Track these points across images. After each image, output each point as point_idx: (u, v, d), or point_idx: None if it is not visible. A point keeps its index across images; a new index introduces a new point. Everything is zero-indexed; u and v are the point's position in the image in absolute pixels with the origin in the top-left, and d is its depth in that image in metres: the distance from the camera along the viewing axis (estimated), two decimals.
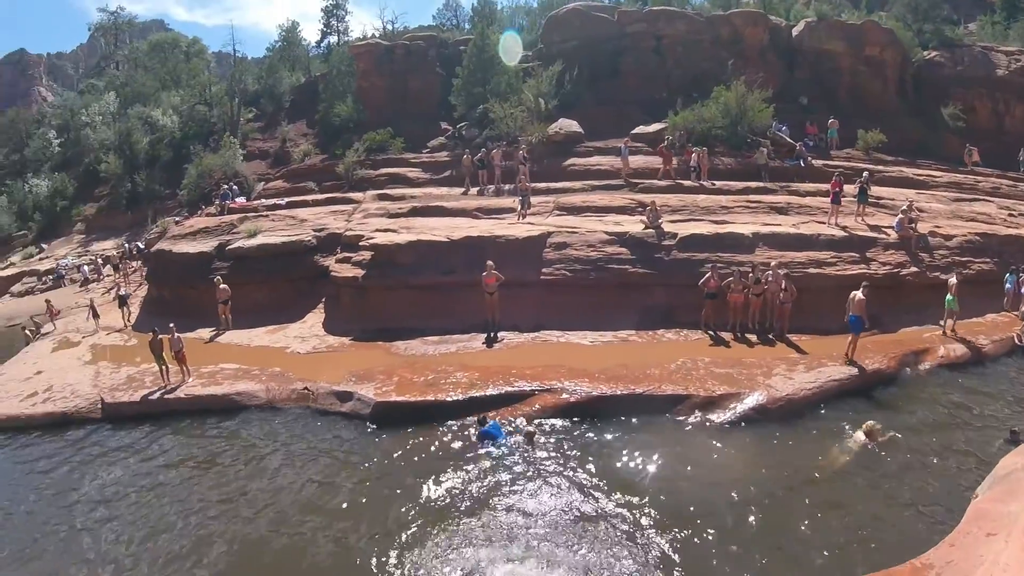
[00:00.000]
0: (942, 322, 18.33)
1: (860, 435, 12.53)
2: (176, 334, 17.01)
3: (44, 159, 53.68)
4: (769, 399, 13.84)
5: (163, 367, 16.94)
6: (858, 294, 15.99)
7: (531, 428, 13.15)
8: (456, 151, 31.43)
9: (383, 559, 9.50)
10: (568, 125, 30.20)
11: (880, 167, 29.01)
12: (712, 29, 34.58)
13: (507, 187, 26.00)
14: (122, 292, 24.96)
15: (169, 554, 10.10)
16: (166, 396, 16.23)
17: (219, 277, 21.73)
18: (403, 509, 10.65)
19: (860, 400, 14.44)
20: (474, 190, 27.31)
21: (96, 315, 24.03)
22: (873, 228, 21.32)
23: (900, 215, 21.09)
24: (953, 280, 18.21)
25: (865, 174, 22.90)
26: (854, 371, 15.25)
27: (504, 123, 30.26)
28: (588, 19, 35.32)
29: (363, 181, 30.58)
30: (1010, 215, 26.02)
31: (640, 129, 29.78)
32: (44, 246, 44.29)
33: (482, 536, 9.87)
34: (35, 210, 47.97)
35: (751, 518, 10.11)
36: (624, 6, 39.41)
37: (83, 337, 23.06)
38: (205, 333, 21.04)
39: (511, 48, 35.86)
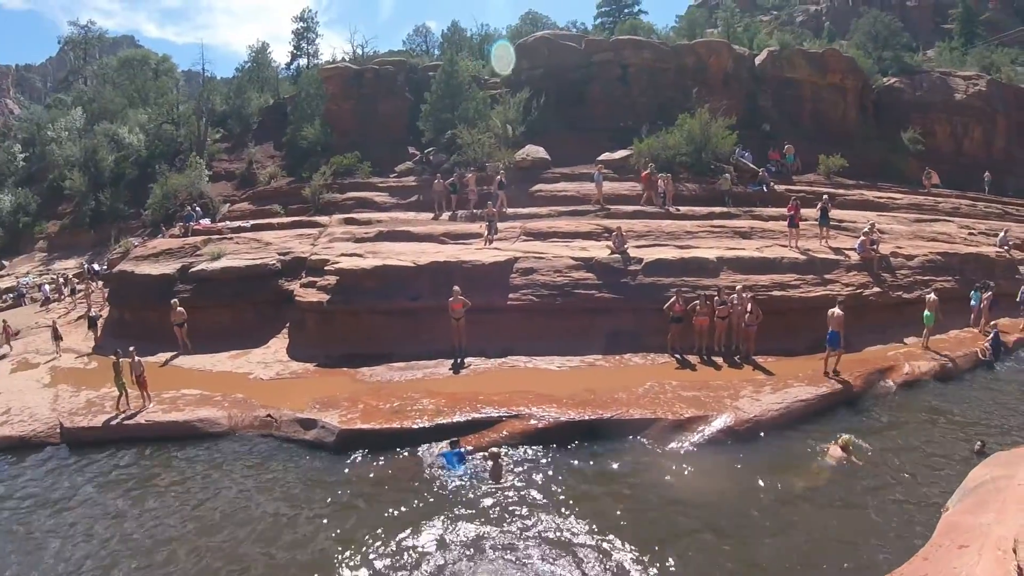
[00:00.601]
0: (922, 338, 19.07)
1: (836, 450, 12.75)
2: (137, 357, 16.64)
3: (8, 173, 52.45)
4: (737, 421, 13.96)
5: (123, 391, 16.52)
6: (836, 311, 16.69)
7: (496, 449, 12.99)
8: (424, 176, 31.40)
9: None
10: (535, 151, 30.37)
11: (841, 191, 29.70)
12: (677, 58, 35.16)
13: (481, 211, 25.74)
14: (92, 313, 23.80)
15: None
16: (126, 422, 15.80)
17: (176, 300, 21.47)
18: (365, 545, 10.38)
19: (828, 417, 14.67)
20: (446, 214, 27.19)
21: (59, 337, 23.17)
22: (836, 250, 21.74)
23: (862, 237, 21.56)
24: (932, 296, 18.92)
25: (825, 197, 23.31)
26: (820, 391, 15.46)
27: (472, 149, 30.32)
28: (556, 47, 35.69)
29: (330, 205, 30.34)
30: (970, 234, 26.81)
31: (606, 156, 30.04)
32: (5, 263, 43.18)
33: (445, 569, 9.68)
34: None
35: (721, 539, 10.10)
36: (591, 35, 39.99)
37: (47, 359, 22.39)
38: (165, 356, 20.64)
39: (503, 56, 36.12)
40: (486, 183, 27.74)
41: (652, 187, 26.04)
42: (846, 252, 21.57)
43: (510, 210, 25.64)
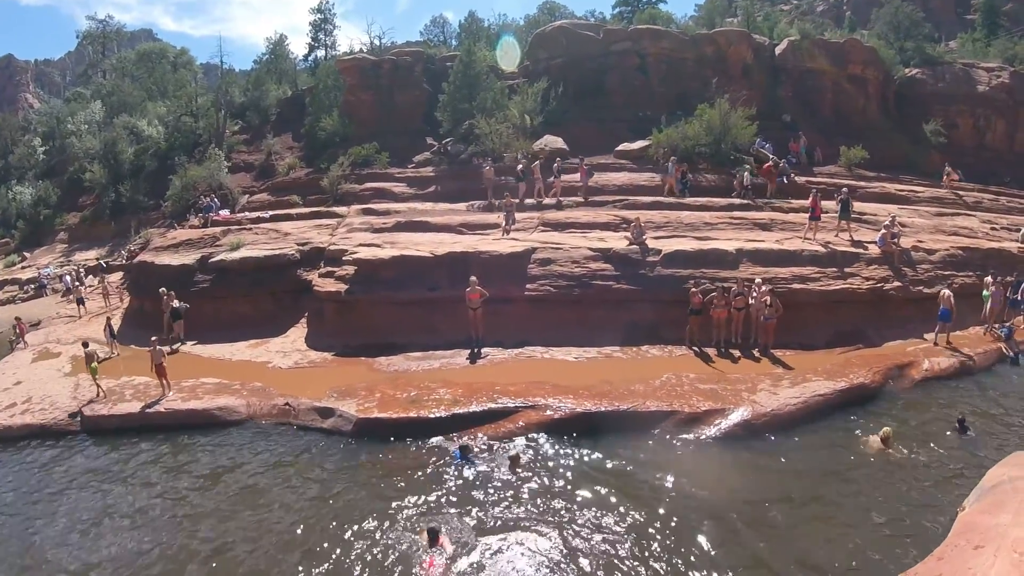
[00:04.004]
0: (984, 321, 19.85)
1: (876, 440, 12.85)
2: (158, 347, 16.86)
3: (28, 166, 53.29)
4: (754, 414, 13.87)
5: (95, 379, 16.97)
6: (946, 291, 18.54)
7: (516, 452, 12.82)
8: (442, 167, 31.54)
9: None
10: (553, 141, 30.30)
11: (863, 183, 29.33)
12: (696, 48, 34.83)
13: (549, 201, 25.60)
14: (176, 304, 21.86)
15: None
16: (146, 410, 15.94)
17: (163, 289, 21.99)
18: (379, 534, 10.45)
19: (846, 412, 14.53)
20: (515, 200, 25.38)
21: (113, 335, 21.80)
22: (856, 243, 21.53)
23: (883, 230, 21.31)
24: (988, 278, 20.01)
25: (844, 189, 23.01)
26: (839, 385, 15.28)
27: (490, 139, 30.30)
28: (574, 37, 35.51)
29: (348, 195, 30.44)
30: (992, 228, 26.36)
31: (624, 146, 29.91)
32: (27, 254, 43.82)
33: (455, 559, 9.70)
34: (18, 218, 47.51)
35: (734, 535, 10.05)
36: (609, 24, 39.70)
37: (102, 350, 22.06)
38: (186, 346, 20.95)
39: (509, 52, 35.99)
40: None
41: (771, 178, 26.10)
42: (866, 245, 21.35)
43: (528, 200, 25.56)
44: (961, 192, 30.75)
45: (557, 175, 25.97)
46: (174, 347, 20.72)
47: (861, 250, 21.00)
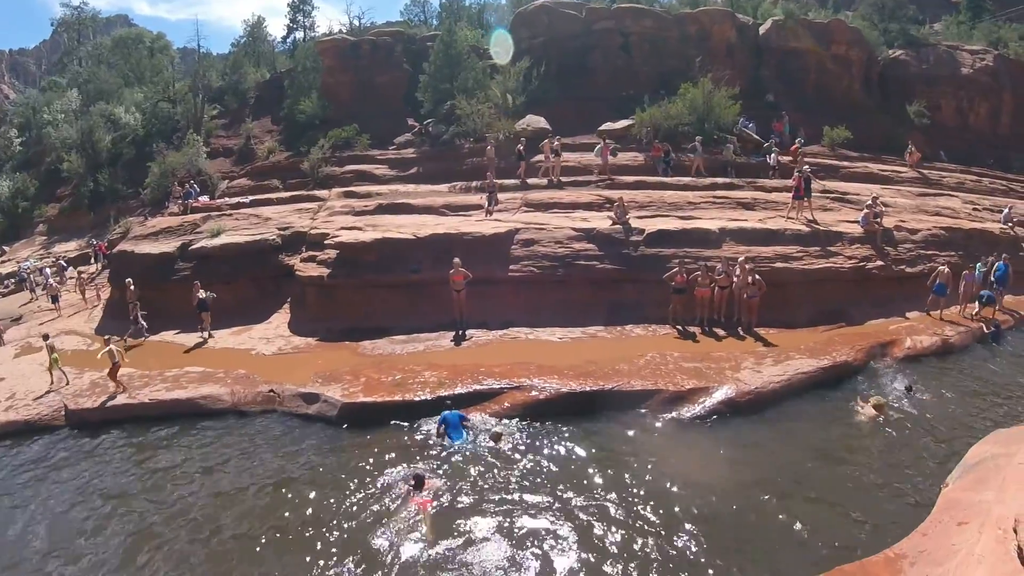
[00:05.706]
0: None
1: (870, 410, 13.09)
2: (112, 347, 16.52)
3: (5, 158, 52.19)
4: (738, 392, 13.89)
5: (57, 369, 17.17)
6: (944, 269, 19.28)
7: (499, 429, 12.99)
8: (423, 148, 31.26)
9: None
10: (536, 121, 30.14)
11: (846, 163, 29.50)
12: (680, 27, 34.72)
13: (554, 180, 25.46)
14: (202, 295, 20.39)
15: (112, 566, 9.84)
16: (130, 402, 15.72)
17: (129, 280, 21.67)
18: (367, 518, 10.37)
19: (830, 390, 14.61)
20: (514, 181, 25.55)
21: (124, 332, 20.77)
22: (809, 222, 21.55)
23: (865, 210, 21.37)
24: (991, 259, 20.66)
25: (805, 168, 22.78)
26: (822, 363, 15.34)
27: (471, 119, 30.09)
28: (556, 16, 35.23)
29: (329, 178, 30.17)
30: (974, 209, 26.56)
31: (607, 126, 29.77)
32: (5, 248, 43.08)
33: (446, 544, 9.62)
34: None
35: (718, 513, 10.04)
36: (592, 3, 39.40)
37: (82, 343, 22.02)
38: (170, 335, 20.67)
39: (503, 45, 35.76)
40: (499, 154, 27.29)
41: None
42: (817, 223, 21.39)
43: (511, 180, 25.40)
44: (924, 171, 30.90)
45: (557, 154, 25.81)
46: (203, 338, 20.27)
47: (844, 229, 21.05)
